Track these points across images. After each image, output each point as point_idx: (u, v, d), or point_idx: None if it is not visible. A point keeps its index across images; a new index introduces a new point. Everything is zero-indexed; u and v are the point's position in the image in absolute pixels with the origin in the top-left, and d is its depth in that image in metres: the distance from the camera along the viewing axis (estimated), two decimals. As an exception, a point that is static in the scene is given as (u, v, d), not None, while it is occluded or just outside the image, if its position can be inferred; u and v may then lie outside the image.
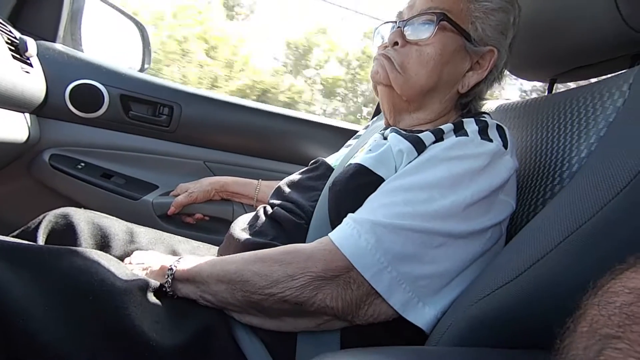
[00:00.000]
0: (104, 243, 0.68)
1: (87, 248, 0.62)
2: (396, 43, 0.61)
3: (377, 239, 0.48)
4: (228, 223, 1.03)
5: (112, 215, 0.76)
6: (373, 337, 0.51)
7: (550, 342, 0.40)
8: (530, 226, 0.49)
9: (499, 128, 0.55)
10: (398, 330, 0.50)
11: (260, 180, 1.05)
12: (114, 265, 0.51)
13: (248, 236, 0.62)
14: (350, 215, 0.52)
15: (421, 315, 0.49)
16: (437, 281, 0.49)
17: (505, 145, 0.53)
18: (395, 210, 0.49)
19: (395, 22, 0.64)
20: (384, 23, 0.67)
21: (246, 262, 0.52)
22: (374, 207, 0.52)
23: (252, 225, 0.65)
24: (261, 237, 0.60)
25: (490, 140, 0.52)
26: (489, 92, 0.65)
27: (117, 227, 0.71)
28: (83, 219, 0.67)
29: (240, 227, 0.66)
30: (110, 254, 0.65)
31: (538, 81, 0.76)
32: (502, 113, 0.79)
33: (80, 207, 0.73)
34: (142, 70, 1.26)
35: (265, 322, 0.52)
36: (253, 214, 0.70)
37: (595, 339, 0.20)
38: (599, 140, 0.51)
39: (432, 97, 0.62)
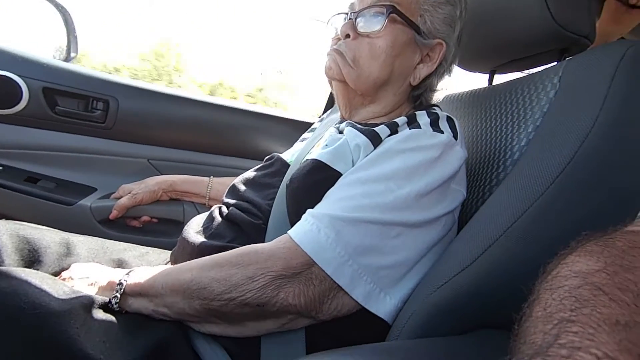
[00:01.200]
0: (32, 258, 0.60)
1: (11, 266, 0.55)
2: (348, 35, 0.61)
3: (336, 233, 0.48)
4: (179, 224, 0.99)
5: (42, 225, 0.68)
6: (337, 333, 0.52)
7: (504, 321, 0.43)
8: (480, 213, 0.51)
9: (449, 119, 0.58)
10: (361, 323, 0.51)
11: (211, 177, 1.00)
12: (47, 283, 0.46)
13: (204, 239, 0.59)
14: (308, 211, 0.52)
15: (383, 306, 0.50)
16: (397, 270, 0.50)
17: (455, 136, 0.55)
18: (353, 203, 0.50)
19: (347, 13, 0.63)
20: (337, 14, 0.67)
21: (202, 269, 0.49)
22: (332, 202, 0.52)
23: (207, 227, 0.62)
24: (218, 239, 0.58)
25: (442, 132, 0.54)
26: (440, 83, 0.66)
27: (48, 238, 0.63)
28: (5, 231, 0.58)
29: (194, 230, 0.62)
30: (42, 270, 0.59)
31: (479, 72, 0.81)
32: (449, 104, 0.83)
33: (1, 218, 0.64)
34: (67, 59, 1.13)
35: (227, 329, 0.50)
36: (207, 214, 0.66)
37: (552, 324, 0.21)
38: (536, 129, 0.55)
39: (385, 90, 0.63)
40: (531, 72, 0.65)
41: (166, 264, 0.71)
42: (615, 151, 0.43)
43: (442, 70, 0.64)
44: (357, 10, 0.61)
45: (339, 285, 0.48)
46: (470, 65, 0.78)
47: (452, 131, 0.55)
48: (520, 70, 0.74)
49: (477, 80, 0.84)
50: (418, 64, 0.62)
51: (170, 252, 0.69)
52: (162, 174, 1.04)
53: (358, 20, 0.60)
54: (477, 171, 0.64)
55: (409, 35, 0.60)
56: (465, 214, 0.58)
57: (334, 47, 0.62)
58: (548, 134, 0.50)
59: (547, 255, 0.29)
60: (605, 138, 0.43)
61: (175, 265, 0.53)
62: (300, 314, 0.49)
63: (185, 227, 0.64)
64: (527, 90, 0.61)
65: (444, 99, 0.85)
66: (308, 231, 0.49)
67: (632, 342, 0.19)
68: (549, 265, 0.28)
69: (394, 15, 0.58)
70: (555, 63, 0.62)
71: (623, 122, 0.44)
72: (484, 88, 0.76)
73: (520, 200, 0.45)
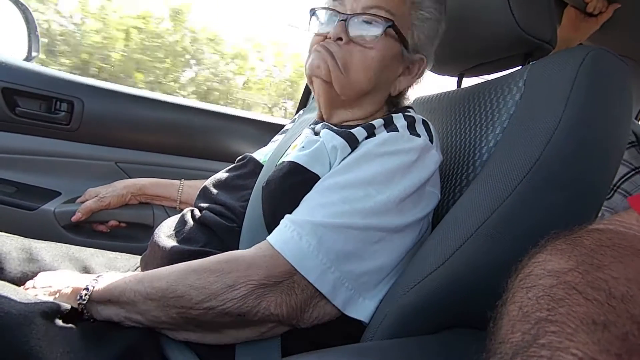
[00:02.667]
0: None
1: None
2: (340, 39, 0.58)
3: (318, 240, 0.47)
4: (149, 229, 0.96)
5: (1, 231, 0.64)
6: (312, 335, 0.51)
7: (477, 321, 0.44)
8: (451, 214, 0.53)
9: (424, 123, 0.58)
10: (337, 326, 0.51)
11: (182, 180, 0.97)
12: (7, 291, 0.44)
13: (175, 243, 0.57)
14: (287, 216, 0.51)
15: (362, 310, 0.50)
16: (377, 275, 0.51)
17: (431, 140, 0.56)
18: (334, 210, 0.49)
19: (337, 12, 0.59)
20: (323, 8, 0.62)
21: (179, 276, 0.47)
22: (312, 207, 0.51)
23: (179, 231, 0.60)
24: (191, 244, 0.56)
25: (418, 135, 0.55)
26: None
27: (8, 244, 0.60)
28: None
29: (165, 234, 0.60)
30: (2, 278, 0.55)
31: (448, 75, 0.83)
32: (419, 105, 0.84)
33: None
34: (28, 59, 1.08)
35: (204, 337, 0.49)
36: (178, 217, 0.64)
37: (530, 323, 0.21)
38: (503, 131, 0.57)
39: (368, 98, 0.62)
40: (498, 76, 0.67)
41: (136, 269, 0.69)
42: (577, 151, 0.45)
43: (418, 81, 0.65)
44: (349, 10, 0.59)
45: (321, 293, 0.47)
46: (439, 68, 0.80)
47: (427, 134, 0.56)
48: (488, 73, 0.76)
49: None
50: (399, 76, 0.63)
51: (140, 257, 0.67)
52: (130, 177, 1.01)
53: (350, 23, 0.58)
54: (448, 172, 0.65)
55: (398, 49, 0.60)
56: (437, 215, 0.59)
57: (324, 44, 0.59)
58: (515, 135, 0.52)
59: (516, 253, 0.29)
60: (568, 138, 0.45)
61: (148, 271, 0.51)
62: (281, 323, 0.48)
63: (156, 231, 0.62)
64: (494, 93, 0.63)
65: (414, 101, 0.87)
66: (289, 239, 0.48)
67: (609, 342, 0.19)
68: (520, 264, 0.28)
69: (390, 28, 0.57)
70: (520, 67, 0.64)
71: (585, 123, 0.45)
72: (453, 91, 0.78)
73: (489, 199, 0.47)
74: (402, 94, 0.66)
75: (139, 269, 0.66)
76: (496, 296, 0.27)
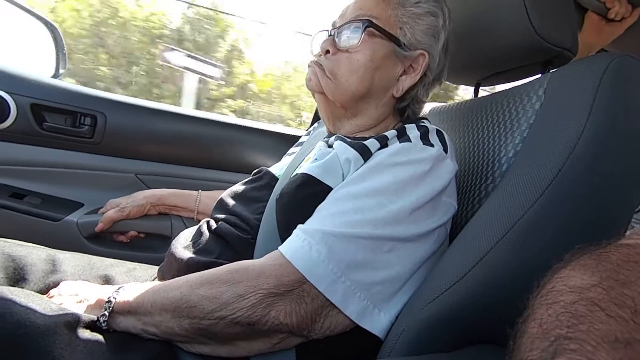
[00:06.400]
0: (18, 276, 0.59)
1: None
2: (328, 51, 0.62)
3: (328, 249, 0.47)
4: (167, 239, 0.98)
5: (28, 242, 0.67)
6: (328, 349, 0.51)
7: (498, 337, 0.42)
8: (470, 226, 0.51)
9: (439, 133, 0.58)
10: (353, 340, 0.50)
11: (200, 191, 0.99)
12: (33, 301, 0.45)
13: (192, 255, 0.58)
14: (299, 226, 0.51)
15: (377, 323, 0.49)
16: (390, 286, 0.50)
17: (445, 150, 0.55)
18: (345, 219, 0.49)
19: (327, 30, 0.65)
20: (320, 32, 0.67)
21: (192, 286, 0.48)
22: (323, 217, 0.51)
23: (195, 242, 0.61)
24: (206, 255, 0.57)
25: (432, 145, 0.54)
26: (429, 94, 0.66)
27: (34, 255, 0.62)
28: None
29: (182, 245, 0.61)
30: (27, 288, 0.58)
31: (465, 85, 0.82)
32: (436, 116, 0.83)
33: None
34: (56, 76, 1.13)
35: (216, 349, 0.49)
36: (195, 229, 0.65)
37: (550, 341, 0.21)
38: (523, 140, 0.55)
39: (367, 103, 0.63)
40: (516, 85, 0.65)
41: (153, 279, 0.70)
42: (601, 162, 0.43)
43: (427, 80, 0.64)
44: (337, 26, 0.62)
45: (331, 303, 0.47)
46: (455, 78, 0.79)
47: (442, 144, 0.55)
48: (505, 82, 0.75)
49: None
50: (401, 75, 0.62)
51: (157, 267, 0.68)
52: (150, 189, 1.03)
53: (338, 36, 0.61)
54: (466, 183, 0.64)
55: (389, 48, 0.60)
56: (455, 226, 0.58)
57: (315, 60, 0.63)
58: (535, 146, 0.51)
59: (539, 268, 0.28)
60: (592, 149, 0.43)
61: (164, 282, 0.52)
62: (292, 333, 0.48)
63: (173, 242, 0.63)
64: (513, 102, 0.61)
65: (430, 111, 0.86)
66: (299, 247, 0.48)
67: None
68: (542, 279, 0.27)
69: (371, 29, 0.59)
70: (539, 75, 0.63)
71: (608, 133, 0.44)
72: (470, 100, 0.77)
73: (510, 211, 0.45)
74: (410, 96, 0.64)
75: (157, 279, 0.67)
76: (517, 313, 0.26)
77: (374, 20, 0.59)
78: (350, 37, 0.60)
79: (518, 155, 0.54)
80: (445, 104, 0.84)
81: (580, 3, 0.86)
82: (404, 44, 0.61)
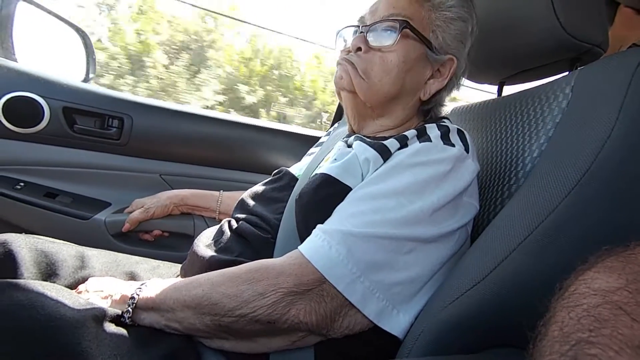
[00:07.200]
0: (50, 271, 0.61)
1: (30, 279, 0.56)
2: (359, 49, 0.60)
3: (348, 249, 0.47)
4: (190, 238, 1.00)
5: (59, 239, 0.70)
6: (346, 349, 0.50)
7: (519, 340, 0.41)
8: (492, 227, 0.50)
9: (460, 132, 0.57)
10: (371, 339, 0.50)
11: (221, 191, 1.01)
12: (63, 295, 0.47)
13: (213, 253, 0.59)
14: (319, 226, 0.51)
15: (396, 323, 0.48)
16: (410, 287, 0.49)
17: (467, 149, 0.54)
18: (364, 219, 0.49)
19: (358, 26, 0.63)
20: (346, 27, 0.66)
21: (213, 284, 0.49)
22: (342, 217, 0.51)
23: (217, 241, 0.62)
24: (227, 253, 0.58)
25: (453, 145, 0.53)
26: (448, 97, 0.66)
27: (65, 252, 0.65)
28: (24, 245, 0.61)
29: (204, 244, 0.62)
30: (58, 283, 0.60)
31: (488, 84, 0.80)
32: (458, 115, 0.82)
33: (21, 232, 0.66)
34: (86, 80, 1.17)
35: (237, 345, 0.50)
36: (217, 228, 0.67)
37: (569, 345, 0.20)
38: (548, 140, 0.54)
39: (396, 104, 0.62)
40: (542, 83, 0.63)
41: (176, 277, 0.72)
42: (632, 162, 0.41)
43: (451, 85, 0.64)
44: (368, 23, 0.61)
45: (350, 303, 0.47)
46: (478, 77, 0.77)
47: (463, 144, 0.55)
48: (530, 81, 0.73)
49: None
50: (429, 79, 0.62)
51: (180, 265, 0.70)
52: (173, 189, 1.06)
53: (369, 34, 0.60)
54: (488, 183, 0.62)
55: (421, 50, 0.60)
56: (477, 227, 0.57)
57: (345, 56, 0.62)
58: (561, 145, 0.49)
59: (562, 270, 0.27)
60: (622, 149, 0.41)
61: (185, 279, 0.53)
62: (311, 332, 0.48)
63: (195, 241, 0.65)
64: (538, 100, 0.59)
65: (452, 110, 0.84)
66: (319, 247, 0.48)
67: None
68: (565, 282, 0.27)
69: (407, 30, 0.58)
70: (566, 73, 0.61)
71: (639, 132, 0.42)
72: (494, 99, 0.75)
73: (533, 213, 0.44)
74: (435, 99, 0.64)
75: (179, 277, 0.68)
76: (539, 315, 0.25)
77: (409, 22, 0.58)
78: (384, 37, 0.59)
79: (543, 155, 0.53)
80: (467, 103, 0.82)
81: None
82: (435, 48, 0.60)
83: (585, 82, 0.52)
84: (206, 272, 0.52)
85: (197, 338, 0.51)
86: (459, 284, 0.47)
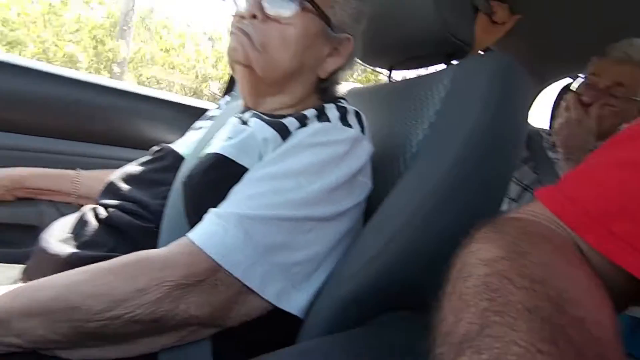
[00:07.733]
0: None
1: None
2: (254, 16, 0.55)
3: (245, 232, 0.44)
4: (34, 231, 0.79)
5: None
6: (244, 334, 0.48)
7: (415, 302, 0.46)
8: (384, 206, 0.54)
9: (357, 114, 0.58)
10: (270, 323, 0.49)
11: (78, 169, 0.82)
12: None
13: (74, 249, 0.48)
14: (212, 210, 0.47)
15: (295, 302, 0.48)
16: (309, 265, 0.50)
17: (363, 131, 0.56)
18: (264, 201, 0.47)
19: None
20: None
21: (71, 284, 0.40)
22: (239, 199, 0.48)
23: (77, 234, 0.51)
24: (95, 249, 0.48)
25: (350, 126, 0.55)
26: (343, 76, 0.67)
27: None
28: None
29: (58, 238, 0.51)
30: None
31: (379, 67, 0.84)
32: (354, 96, 0.85)
33: None
34: None
35: (109, 351, 0.43)
36: (75, 218, 0.54)
37: (473, 314, 0.21)
38: (430, 126, 0.59)
39: (294, 81, 0.60)
40: (429, 72, 0.70)
41: (16, 283, 0.56)
42: (492, 147, 0.50)
43: (348, 64, 0.64)
44: None
45: (249, 288, 0.44)
46: (371, 60, 0.81)
47: (360, 125, 0.56)
48: (416, 68, 0.79)
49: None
50: (327, 56, 0.61)
51: (20, 267, 0.55)
52: (5, 167, 0.82)
53: (267, 0, 0.55)
54: (381, 163, 0.66)
55: (320, 26, 0.58)
56: (370, 206, 0.60)
57: (239, 25, 0.56)
58: (440, 132, 0.55)
59: (447, 243, 0.30)
60: (484, 136, 0.49)
61: (27, 283, 0.42)
62: (204, 325, 0.45)
63: (43, 234, 0.52)
64: (423, 89, 0.65)
65: (349, 91, 0.87)
66: (214, 233, 0.44)
67: (542, 328, 0.20)
68: (458, 254, 0.29)
69: (307, 3, 0.55)
70: (445, 66, 0.68)
71: (498, 122, 0.50)
72: (384, 84, 0.80)
73: (419, 192, 0.49)
74: (332, 78, 0.64)
75: (21, 282, 0.54)
76: (431, 287, 0.27)
77: None
78: (283, 6, 0.55)
79: (426, 140, 0.58)
80: (363, 85, 0.85)
81: (474, 4, 0.96)
82: (334, 25, 0.59)
83: (458, 77, 0.59)
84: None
85: (49, 352, 0.41)
86: (354, 261, 0.49)
